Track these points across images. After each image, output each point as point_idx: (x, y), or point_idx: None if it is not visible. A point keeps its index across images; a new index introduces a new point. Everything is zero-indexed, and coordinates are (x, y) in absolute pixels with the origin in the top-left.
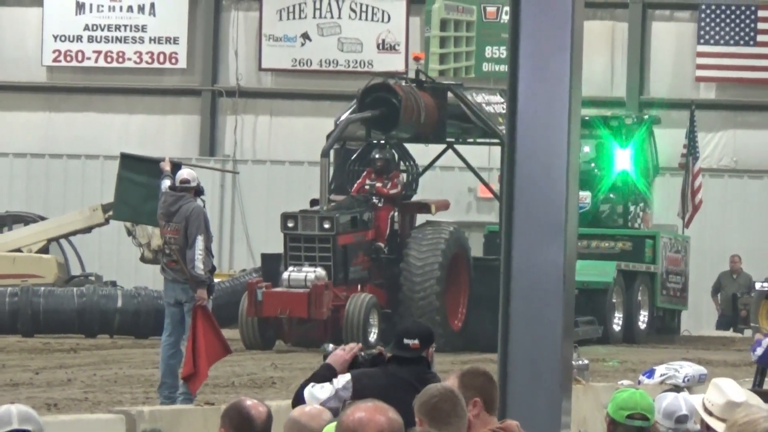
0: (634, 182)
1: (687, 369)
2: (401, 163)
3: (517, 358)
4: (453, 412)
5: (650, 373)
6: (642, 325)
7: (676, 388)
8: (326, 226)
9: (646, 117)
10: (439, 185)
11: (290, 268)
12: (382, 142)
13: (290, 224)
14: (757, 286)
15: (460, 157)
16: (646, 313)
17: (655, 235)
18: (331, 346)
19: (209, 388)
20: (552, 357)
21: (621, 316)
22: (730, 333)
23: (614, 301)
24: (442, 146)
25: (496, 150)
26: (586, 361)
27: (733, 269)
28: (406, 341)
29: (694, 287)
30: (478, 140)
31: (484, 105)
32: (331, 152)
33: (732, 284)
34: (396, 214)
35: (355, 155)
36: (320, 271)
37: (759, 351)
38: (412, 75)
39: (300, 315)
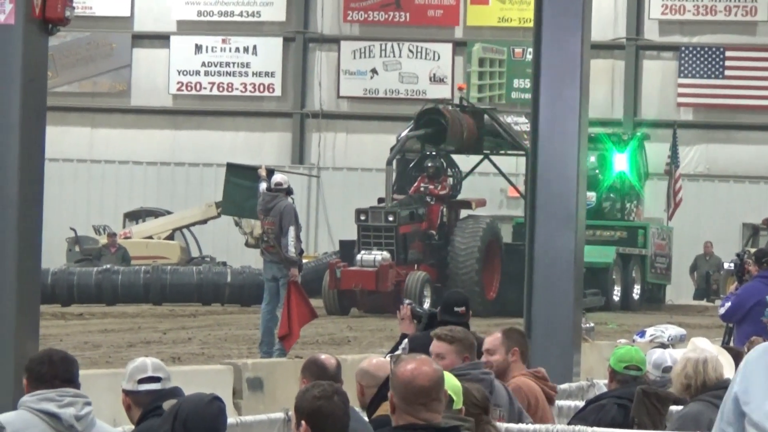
0: (629, 180)
1: (671, 330)
2: (448, 170)
3: (539, 321)
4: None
5: (642, 334)
6: (635, 296)
7: (663, 346)
8: (390, 218)
9: (638, 133)
10: (479, 187)
11: (362, 252)
12: (434, 153)
13: (362, 217)
14: (725, 265)
15: (494, 165)
16: (638, 287)
17: (646, 226)
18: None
19: (299, 346)
20: (565, 320)
21: (619, 289)
22: (704, 302)
23: (614, 277)
24: (480, 156)
25: (522, 160)
26: (592, 324)
27: (706, 252)
28: (456, 309)
29: (676, 267)
30: (508, 152)
31: (512, 125)
32: (394, 161)
33: (705, 264)
34: (444, 209)
35: (412, 164)
36: (385, 254)
37: (722, 310)
38: (456, 101)
39: (370, 288)
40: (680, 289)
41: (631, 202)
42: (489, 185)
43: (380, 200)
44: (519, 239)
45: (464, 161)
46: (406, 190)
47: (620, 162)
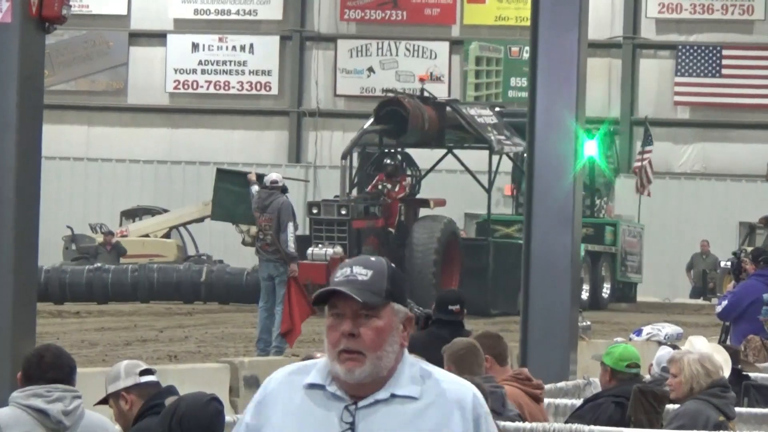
0: (599, 164)
1: (667, 328)
2: (407, 169)
3: (536, 319)
4: (475, 362)
5: (638, 332)
6: (605, 295)
7: (673, 345)
8: (343, 212)
9: (606, 123)
10: (468, 186)
11: (313, 246)
12: (393, 151)
13: (314, 210)
14: (722, 264)
15: (459, 161)
16: (608, 285)
17: (616, 224)
18: None
19: (295, 343)
20: (562, 319)
21: (588, 287)
22: (700, 301)
23: (582, 275)
24: (444, 151)
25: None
26: (588, 323)
27: (703, 251)
28: (450, 307)
29: (673, 265)
30: (473, 145)
31: (476, 117)
32: (352, 155)
33: (702, 263)
34: (402, 208)
35: (371, 161)
36: (338, 248)
37: (719, 309)
38: (427, 94)
39: (320, 282)
40: (677, 288)
41: (601, 199)
42: (461, 183)
43: (336, 197)
44: (481, 235)
45: (426, 157)
46: (364, 188)
47: (590, 148)
